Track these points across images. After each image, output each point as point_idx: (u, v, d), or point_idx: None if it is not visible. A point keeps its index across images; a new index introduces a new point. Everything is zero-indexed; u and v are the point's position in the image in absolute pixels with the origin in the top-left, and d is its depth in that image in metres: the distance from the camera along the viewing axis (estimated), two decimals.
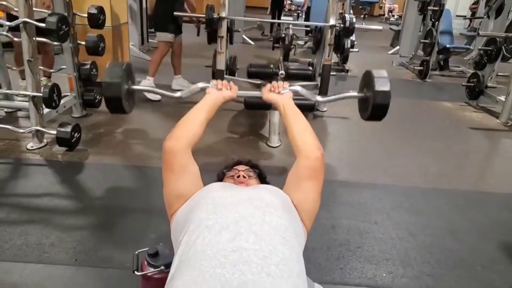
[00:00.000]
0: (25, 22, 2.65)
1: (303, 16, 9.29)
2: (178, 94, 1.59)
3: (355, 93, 1.38)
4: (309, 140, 1.31)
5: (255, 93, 1.54)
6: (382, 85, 1.26)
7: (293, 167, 1.30)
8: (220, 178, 1.40)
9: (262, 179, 1.41)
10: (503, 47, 4.23)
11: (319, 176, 1.26)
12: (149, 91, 1.50)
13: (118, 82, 1.30)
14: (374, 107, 1.27)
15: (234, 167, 1.41)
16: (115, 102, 1.32)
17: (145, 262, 1.34)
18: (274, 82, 1.49)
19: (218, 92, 1.48)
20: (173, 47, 4.36)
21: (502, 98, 4.25)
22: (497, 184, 2.93)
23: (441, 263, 1.98)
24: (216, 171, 1.54)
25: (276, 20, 6.12)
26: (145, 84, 4.27)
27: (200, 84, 1.56)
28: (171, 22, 4.11)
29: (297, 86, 1.58)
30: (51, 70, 3.51)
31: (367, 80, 1.33)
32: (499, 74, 4.80)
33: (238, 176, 1.32)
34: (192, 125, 1.32)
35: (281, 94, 1.49)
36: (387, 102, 1.27)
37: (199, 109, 1.39)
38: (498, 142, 3.93)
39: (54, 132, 2.83)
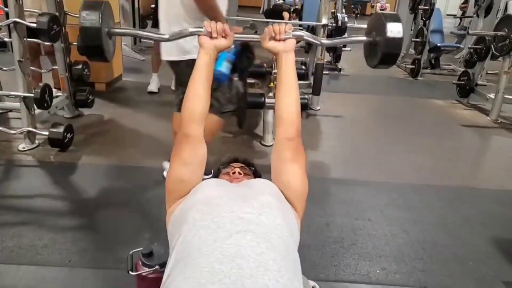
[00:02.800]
0: (15, 22, 2.63)
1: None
2: (165, 36, 1.43)
3: (363, 37, 1.28)
4: (295, 118, 1.25)
5: (254, 36, 1.37)
6: (393, 28, 1.15)
7: (274, 149, 1.26)
8: (216, 175, 1.40)
9: (258, 178, 1.41)
10: (492, 45, 4.28)
11: (301, 154, 1.24)
12: (130, 35, 1.38)
13: (97, 28, 1.16)
14: (384, 53, 1.17)
15: (230, 164, 1.41)
16: (95, 50, 1.20)
17: (140, 262, 1.34)
18: (275, 25, 1.31)
19: (212, 44, 1.29)
20: None
21: (492, 95, 4.30)
22: (488, 179, 2.97)
23: (433, 258, 2.00)
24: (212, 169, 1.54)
25: (269, 20, 6.12)
26: (153, 82, 4.45)
27: (191, 29, 1.35)
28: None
29: (301, 31, 1.43)
30: (43, 71, 3.49)
31: (377, 22, 1.21)
32: (489, 72, 4.86)
33: (234, 173, 1.33)
34: (196, 102, 1.24)
35: (283, 42, 1.31)
36: (400, 47, 1.16)
37: (197, 80, 1.26)
38: (488, 139, 3.98)
39: (46, 133, 2.81)
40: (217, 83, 1.97)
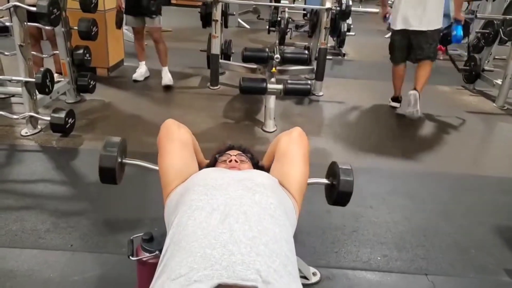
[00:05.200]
0: (15, 6, 2.60)
1: None
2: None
3: (325, 180, 1.56)
4: (285, 131, 1.38)
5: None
6: (346, 177, 1.44)
7: (276, 149, 1.35)
8: (213, 164, 1.40)
9: (255, 164, 1.41)
10: (500, 29, 4.20)
11: (302, 146, 1.29)
12: (139, 167, 1.58)
13: (113, 162, 1.43)
14: (338, 196, 1.46)
15: (226, 152, 1.41)
16: (108, 178, 1.47)
17: (140, 247, 1.34)
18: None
19: None
20: (150, 34, 4.08)
21: (499, 81, 4.23)
22: (492, 167, 2.95)
23: (435, 246, 2.00)
24: (209, 157, 1.54)
25: (272, 3, 6.03)
26: (139, 70, 4.21)
27: None
28: (128, 2, 3.87)
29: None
30: (44, 56, 3.47)
31: (334, 171, 1.49)
32: (496, 57, 4.77)
33: (230, 161, 1.32)
34: (186, 137, 1.35)
35: None
36: (350, 194, 1.45)
37: (185, 150, 1.38)
38: (494, 126, 3.94)
39: (48, 118, 2.81)
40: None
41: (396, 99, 3.98)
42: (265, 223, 0.96)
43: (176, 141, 1.24)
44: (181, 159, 1.22)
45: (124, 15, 3.97)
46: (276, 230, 0.96)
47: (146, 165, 1.52)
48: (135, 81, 4.19)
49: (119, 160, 1.48)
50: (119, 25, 4.14)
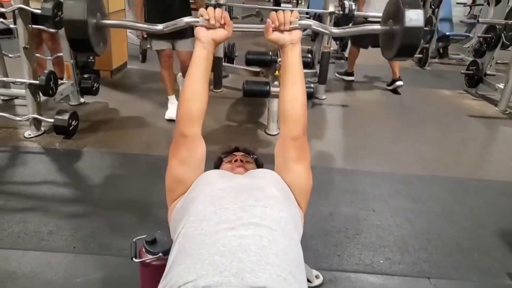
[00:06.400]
0: (20, 9, 2.61)
1: (302, 3, 9.18)
2: (159, 27, 1.32)
3: (377, 26, 1.17)
4: (301, 114, 1.18)
5: (257, 26, 1.29)
6: (412, 16, 1.03)
7: (278, 145, 1.23)
8: (217, 165, 1.39)
9: (259, 166, 1.40)
10: (502, 34, 4.19)
11: (306, 152, 1.22)
12: (121, 27, 1.30)
13: (83, 20, 1.06)
14: (402, 44, 1.04)
15: (232, 153, 1.41)
16: (81, 44, 1.11)
17: (143, 249, 1.34)
18: (280, 14, 1.17)
19: (209, 37, 1.18)
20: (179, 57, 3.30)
21: (501, 85, 4.22)
22: (495, 171, 2.94)
23: (438, 249, 1.99)
24: (214, 160, 1.53)
25: (275, 7, 6.06)
26: (173, 106, 3.37)
27: (186, 19, 1.27)
28: (156, 17, 2.94)
29: (309, 20, 1.29)
30: (48, 58, 3.48)
31: (394, 9, 1.10)
32: (499, 61, 4.77)
33: (236, 160, 1.32)
34: (193, 101, 1.17)
35: (289, 33, 1.19)
36: (419, 37, 1.05)
37: (194, 76, 1.18)
38: (496, 130, 3.93)
39: (52, 120, 2.82)
40: None
41: (399, 79, 4.66)
42: (275, 234, 0.94)
43: (181, 156, 1.18)
44: (186, 171, 1.17)
45: (151, 40, 3.18)
46: (286, 242, 0.95)
47: (131, 24, 1.25)
48: (169, 120, 3.32)
49: (94, 21, 1.12)
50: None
